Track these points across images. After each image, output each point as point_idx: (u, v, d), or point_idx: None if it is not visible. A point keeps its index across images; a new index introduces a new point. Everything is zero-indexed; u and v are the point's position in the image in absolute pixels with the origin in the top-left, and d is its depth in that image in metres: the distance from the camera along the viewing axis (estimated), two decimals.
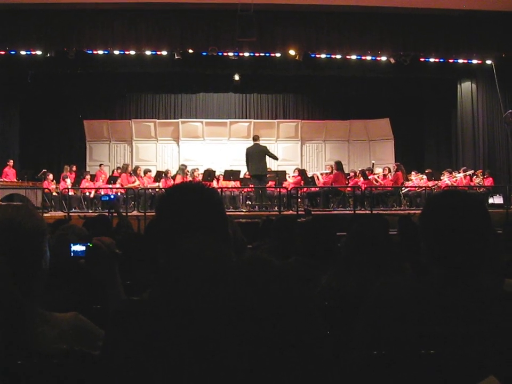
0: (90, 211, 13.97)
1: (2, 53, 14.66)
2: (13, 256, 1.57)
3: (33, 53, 14.64)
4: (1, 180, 14.68)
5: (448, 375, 1.60)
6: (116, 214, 7.97)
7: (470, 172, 15.72)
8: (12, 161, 15.56)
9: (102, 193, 14.69)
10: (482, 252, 1.76)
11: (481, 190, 15.16)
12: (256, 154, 13.36)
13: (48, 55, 14.66)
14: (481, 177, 15.65)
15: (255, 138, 13.86)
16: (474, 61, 15.87)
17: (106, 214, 8.43)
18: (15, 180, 15.08)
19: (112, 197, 11.22)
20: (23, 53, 14.65)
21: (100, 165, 17.06)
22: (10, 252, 1.57)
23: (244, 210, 14.39)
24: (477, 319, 1.66)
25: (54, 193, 14.90)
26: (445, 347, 1.63)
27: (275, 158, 14.02)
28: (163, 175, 15.46)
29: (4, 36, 14.25)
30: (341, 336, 2.03)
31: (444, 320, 1.67)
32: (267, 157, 13.57)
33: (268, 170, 14.27)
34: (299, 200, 14.58)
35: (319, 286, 2.97)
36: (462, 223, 1.75)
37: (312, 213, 11.28)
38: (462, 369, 1.60)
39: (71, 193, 14.59)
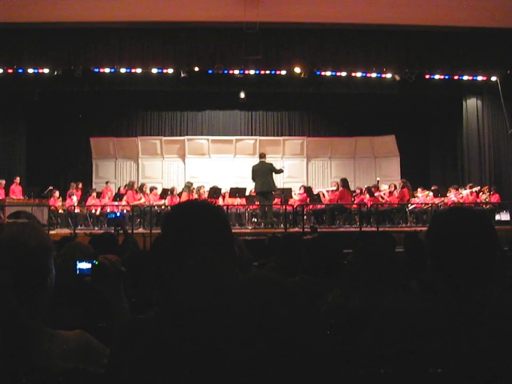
0: (96, 228, 13.99)
1: (10, 71, 14.77)
2: (18, 274, 1.57)
3: (40, 71, 14.74)
4: (8, 197, 14.74)
5: None
6: (121, 232, 7.97)
7: (476, 189, 15.67)
8: (18, 178, 15.63)
9: (108, 210, 14.73)
10: (489, 269, 1.76)
11: (487, 206, 15.10)
12: (262, 172, 13.39)
13: (56, 73, 14.75)
14: (488, 193, 15.60)
15: (262, 156, 13.88)
16: (480, 78, 15.88)
17: (112, 231, 8.44)
18: (22, 197, 15.13)
19: (118, 214, 11.26)
20: (30, 71, 14.76)
21: (106, 182, 17.10)
22: (16, 269, 1.57)
23: (250, 227, 14.38)
24: (484, 336, 1.65)
25: (60, 211, 14.93)
26: (453, 363, 1.62)
27: (280, 171, 13.96)
28: (169, 192, 15.48)
29: (12, 54, 14.38)
30: (348, 353, 2.01)
31: (451, 336, 1.66)
32: (274, 174, 13.59)
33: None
34: (305, 217, 14.55)
35: (325, 303, 2.96)
36: (468, 240, 1.74)
37: (318, 230, 11.28)
38: None
39: (77, 210, 14.62)
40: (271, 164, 13.82)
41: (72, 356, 1.63)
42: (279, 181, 16.60)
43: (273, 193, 14.05)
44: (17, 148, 17.82)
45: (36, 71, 14.78)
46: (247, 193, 15.59)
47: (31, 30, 14.05)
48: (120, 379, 1.37)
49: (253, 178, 13.62)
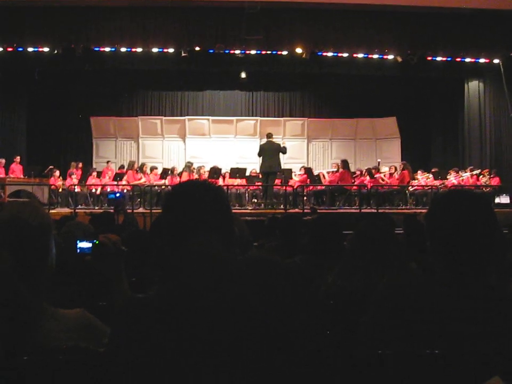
0: (96, 208, 13.98)
1: (10, 49, 14.68)
2: (19, 252, 1.58)
3: (40, 49, 14.66)
4: (8, 176, 14.73)
5: (453, 374, 1.60)
6: (122, 212, 7.99)
7: (477, 171, 15.67)
8: (18, 157, 15.61)
9: (109, 190, 14.73)
10: (489, 251, 1.76)
11: (487, 189, 15.11)
12: (270, 151, 13.41)
13: (56, 52, 14.67)
14: (488, 176, 15.60)
15: (269, 135, 13.88)
16: (482, 60, 15.80)
17: (112, 211, 8.46)
18: (22, 176, 15.12)
19: (118, 195, 11.25)
20: (30, 49, 14.67)
21: (107, 162, 17.05)
22: (17, 248, 1.58)
23: (250, 208, 14.39)
24: (483, 318, 1.66)
25: (60, 190, 14.93)
26: (451, 346, 1.63)
27: (284, 151, 13.90)
28: (169, 172, 15.47)
29: (12, 33, 14.28)
30: (347, 334, 2.03)
31: (450, 318, 1.67)
32: (280, 154, 13.62)
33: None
34: (305, 198, 14.56)
35: (324, 284, 2.97)
36: (468, 222, 1.75)
37: (318, 211, 11.29)
38: (467, 368, 1.60)
39: (77, 189, 14.62)
40: (279, 144, 13.82)
41: (73, 334, 1.64)
42: (280, 161, 16.59)
43: (278, 173, 14.08)
44: (17, 127, 17.77)
45: (36, 49, 14.69)
46: (247, 174, 15.58)
47: (31, 8, 13.95)
48: (121, 357, 1.38)
49: (259, 155, 13.63)
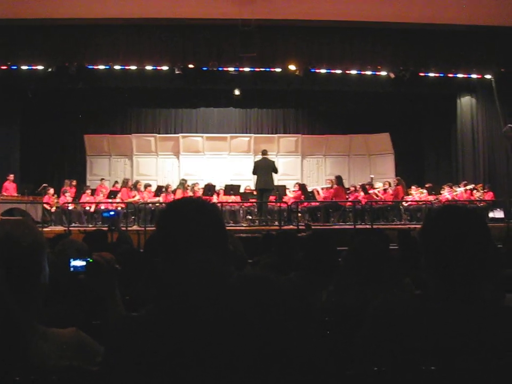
0: (90, 226, 13.95)
1: (4, 67, 14.71)
2: (11, 271, 1.57)
3: (34, 67, 14.70)
4: (2, 194, 14.69)
5: None
6: (115, 230, 7.98)
7: (471, 186, 15.73)
8: (12, 175, 15.56)
9: (103, 207, 14.70)
10: (483, 266, 1.76)
11: (481, 204, 15.15)
12: (265, 169, 13.43)
13: (50, 70, 14.70)
14: (482, 191, 15.65)
15: (264, 152, 13.91)
16: (474, 76, 15.93)
17: (105, 228, 8.44)
18: (16, 194, 15.08)
19: (112, 213, 11.25)
20: (24, 67, 14.71)
21: (101, 180, 17.04)
22: (9, 267, 1.57)
23: (244, 225, 14.38)
24: (477, 334, 1.66)
25: (54, 208, 14.89)
26: (446, 362, 1.63)
27: (276, 171, 13.94)
28: (163, 189, 15.47)
29: (5, 51, 14.31)
30: (342, 350, 2.02)
31: (444, 334, 1.66)
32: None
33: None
34: (299, 214, 14.57)
35: (319, 300, 2.96)
36: (462, 238, 1.75)
37: (313, 227, 11.30)
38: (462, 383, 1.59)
39: (71, 207, 14.59)
40: (274, 162, 13.88)
41: (66, 353, 1.63)
42: (274, 178, 16.61)
43: (272, 190, 14.10)
44: (11, 145, 17.73)
45: (29, 67, 14.73)
46: (241, 191, 15.59)
47: (25, 26, 13.99)
48: (115, 376, 1.37)
49: (254, 173, 13.66)
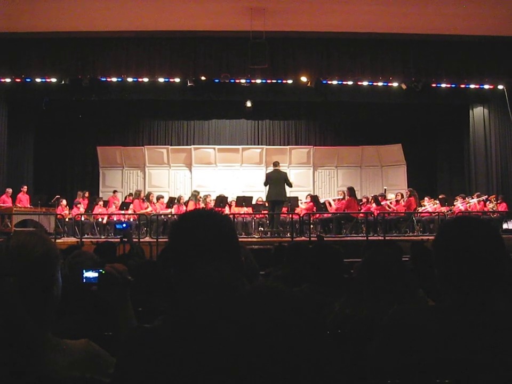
0: (102, 237, 14.00)
1: (18, 80, 14.87)
2: (24, 282, 1.57)
3: (48, 80, 14.84)
4: (15, 205, 14.79)
5: None
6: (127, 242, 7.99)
7: (484, 197, 15.63)
8: (25, 187, 15.68)
9: (115, 219, 14.75)
10: (497, 278, 1.75)
11: (495, 215, 15.04)
12: (277, 180, 13.43)
13: (63, 82, 14.84)
14: (495, 202, 15.54)
15: (276, 164, 13.92)
16: (486, 86, 15.87)
17: (118, 240, 8.46)
18: (29, 206, 15.19)
19: (124, 225, 11.29)
20: (38, 80, 14.86)
21: (114, 191, 17.11)
22: (22, 278, 1.57)
23: (256, 236, 14.37)
24: (492, 345, 1.64)
25: (67, 219, 14.96)
26: (460, 374, 1.61)
27: (290, 185, 13.94)
28: (175, 201, 15.50)
29: (20, 64, 14.45)
30: (355, 363, 2.00)
31: (459, 346, 1.65)
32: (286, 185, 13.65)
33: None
34: (311, 226, 14.53)
35: (332, 313, 2.95)
36: (476, 249, 1.74)
37: (325, 239, 11.26)
38: None
39: (83, 219, 14.65)
40: (286, 174, 13.88)
41: (78, 365, 1.62)
42: (286, 190, 16.61)
43: (284, 202, 14.08)
44: (24, 157, 17.89)
45: (43, 80, 14.88)
46: (253, 202, 15.59)
47: (39, 39, 14.14)
48: None
49: (265, 185, 13.67)
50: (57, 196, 15.67)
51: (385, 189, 17.06)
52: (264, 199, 15.02)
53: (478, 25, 13.52)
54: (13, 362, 1.49)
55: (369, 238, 12.84)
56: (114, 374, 1.46)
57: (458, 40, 14.40)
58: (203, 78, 15.08)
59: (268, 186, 13.75)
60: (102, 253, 4.99)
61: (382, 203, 15.29)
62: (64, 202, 15.49)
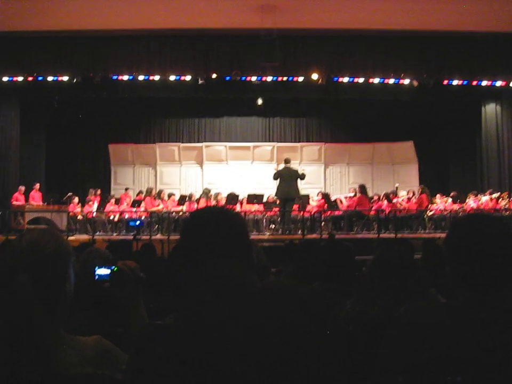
0: (114, 234, 14.06)
1: (30, 79, 14.94)
2: (37, 280, 1.58)
3: (59, 78, 14.90)
4: (28, 203, 14.87)
5: None
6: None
7: (496, 195, 15.54)
8: (38, 184, 15.78)
9: (127, 216, 14.80)
10: (509, 275, 1.74)
11: (507, 212, 14.95)
12: (288, 177, 13.37)
13: (75, 80, 14.90)
14: (507, 199, 15.45)
15: (287, 161, 13.85)
16: (499, 83, 15.75)
17: (131, 237, 8.50)
18: (41, 203, 15.27)
19: (138, 223, 11.34)
20: (50, 78, 14.93)
21: (126, 189, 17.14)
22: (35, 275, 1.58)
23: (267, 234, 14.37)
24: (504, 343, 1.63)
25: (79, 217, 15.02)
26: (473, 373, 1.60)
27: (302, 177, 13.80)
28: (187, 198, 15.51)
29: (31, 62, 14.55)
30: (366, 360, 2.00)
31: (471, 344, 1.64)
32: (299, 180, 13.56)
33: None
34: (323, 223, 14.51)
35: (343, 310, 2.94)
36: (488, 247, 1.73)
37: (336, 236, 11.24)
38: None
39: (95, 216, 14.70)
40: (297, 171, 13.80)
41: (90, 361, 1.63)
42: (298, 186, 16.58)
43: (296, 199, 14.02)
44: (37, 155, 17.98)
45: (55, 78, 14.94)
46: (264, 200, 15.57)
47: (50, 38, 14.22)
48: None
49: (275, 179, 13.58)
50: (69, 194, 15.73)
51: (396, 186, 16.98)
52: (273, 196, 14.97)
53: (490, 21, 13.44)
54: (25, 359, 1.51)
55: (380, 235, 12.81)
56: (126, 370, 1.47)
57: (470, 36, 14.33)
58: (214, 75, 15.09)
59: (278, 183, 13.68)
60: (117, 251, 5.00)
61: (393, 200, 15.24)
62: (76, 199, 15.55)
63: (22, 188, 15.21)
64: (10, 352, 1.51)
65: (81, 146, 19.14)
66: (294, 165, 15.17)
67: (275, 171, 13.87)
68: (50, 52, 14.47)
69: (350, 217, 14.38)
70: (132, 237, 9.19)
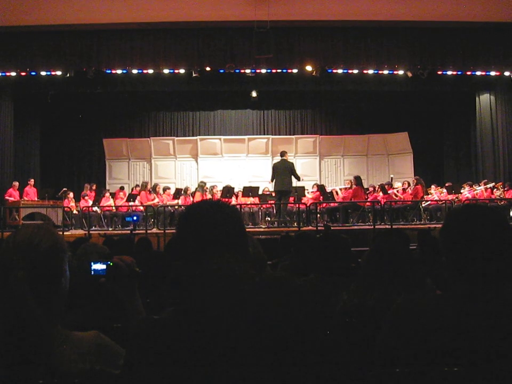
0: (110, 229, 14.04)
1: (23, 74, 14.88)
2: (33, 275, 1.58)
3: (53, 73, 14.84)
4: (23, 199, 14.83)
5: None
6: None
7: (491, 185, 15.57)
8: (32, 180, 15.72)
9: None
10: (505, 265, 1.74)
11: (502, 202, 14.98)
12: (283, 170, 13.35)
13: (68, 75, 14.83)
14: (502, 189, 15.48)
15: (283, 154, 13.81)
16: (493, 73, 15.75)
17: (128, 232, 8.50)
18: (36, 199, 15.22)
19: (135, 218, 11.33)
20: (43, 73, 14.87)
21: (121, 188, 16.97)
22: (30, 271, 1.58)
23: (263, 226, 14.37)
24: (501, 333, 1.64)
25: (75, 212, 14.99)
26: (469, 363, 1.61)
27: (298, 178, 13.83)
28: (182, 192, 15.49)
29: (24, 57, 14.48)
30: (363, 351, 2.01)
31: (468, 334, 1.64)
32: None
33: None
34: (318, 215, 14.52)
35: (340, 302, 2.95)
36: (483, 236, 1.73)
37: (332, 228, 11.26)
38: None
39: (91, 211, 14.68)
40: (292, 164, 13.79)
41: (87, 356, 1.63)
42: (292, 180, 16.59)
43: (291, 192, 14.02)
44: (31, 150, 17.95)
45: (48, 73, 14.88)
46: (260, 192, 15.57)
47: (43, 32, 14.15)
48: (136, 379, 1.37)
49: (273, 176, 13.58)
50: (64, 189, 15.70)
51: (391, 178, 17.01)
52: (271, 189, 14.98)
53: (484, 11, 13.44)
54: (22, 354, 1.50)
55: (376, 226, 12.83)
56: (124, 365, 1.47)
57: (464, 27, 14.32)
58: (208, 68, 15.06)
59: (275, 177, 13.65)
60: (118, 246, 5.00)
61: (388, 192, 15.25)
62: (71, 195, 15.51)
63: (17, 184, 15.16)
64: (8, 349, 1.50)
65: (76, 141, 19.09)
66: (289, 157, 15.15)
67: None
68: (43, 47, 14.39)
69: (345, 209, 14.38)
70: (129, 232, 9.20)
